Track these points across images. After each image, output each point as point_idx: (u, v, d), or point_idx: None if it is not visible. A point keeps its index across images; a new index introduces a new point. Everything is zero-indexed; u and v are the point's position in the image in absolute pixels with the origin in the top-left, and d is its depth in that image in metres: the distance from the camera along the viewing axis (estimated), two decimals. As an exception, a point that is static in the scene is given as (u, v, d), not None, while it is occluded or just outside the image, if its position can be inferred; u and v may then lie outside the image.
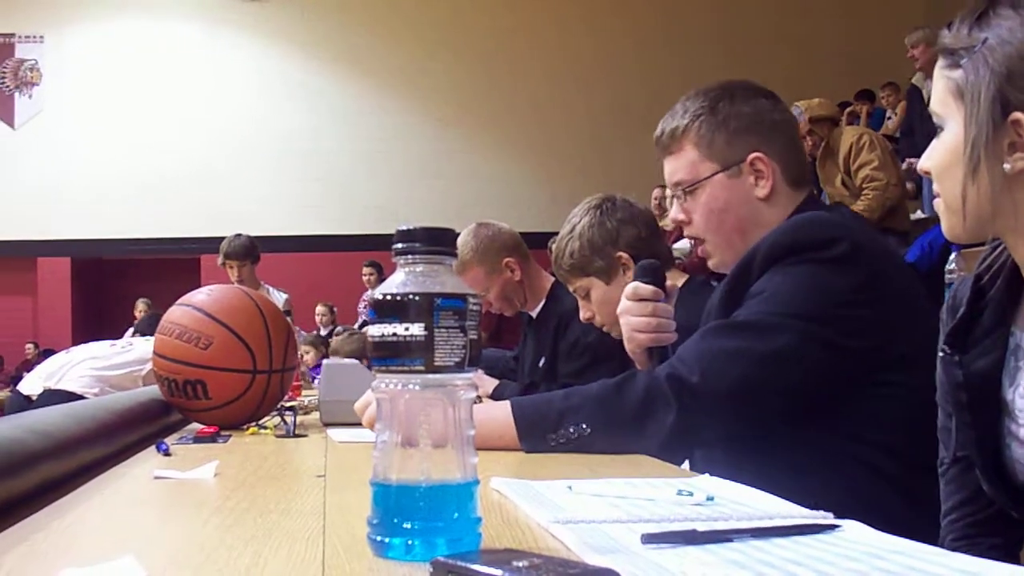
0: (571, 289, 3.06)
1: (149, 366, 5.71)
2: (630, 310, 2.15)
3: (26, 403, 5.54)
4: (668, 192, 2.28)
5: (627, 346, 2.20)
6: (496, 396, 3.70)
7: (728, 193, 2.06)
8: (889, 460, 1.82)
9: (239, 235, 6.32)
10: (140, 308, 12.04)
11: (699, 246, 2.17)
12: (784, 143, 2.09)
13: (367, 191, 14.53)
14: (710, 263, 2.17)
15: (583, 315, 3.04)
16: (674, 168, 2.12)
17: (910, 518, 1.38)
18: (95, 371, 5.78)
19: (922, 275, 6.28)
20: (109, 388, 5.55)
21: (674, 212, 2.16)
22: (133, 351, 5.92)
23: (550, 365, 3.71)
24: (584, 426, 1.74)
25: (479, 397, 3.00)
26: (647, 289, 2.13)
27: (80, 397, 5.25)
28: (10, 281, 14.85)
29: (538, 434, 1.77)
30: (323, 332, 10.75)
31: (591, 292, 2.96)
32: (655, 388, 1.76)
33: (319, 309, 12.02)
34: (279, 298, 6.30)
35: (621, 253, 2.90)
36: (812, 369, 1.79)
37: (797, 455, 1.81)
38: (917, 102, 8.87)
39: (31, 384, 5.92)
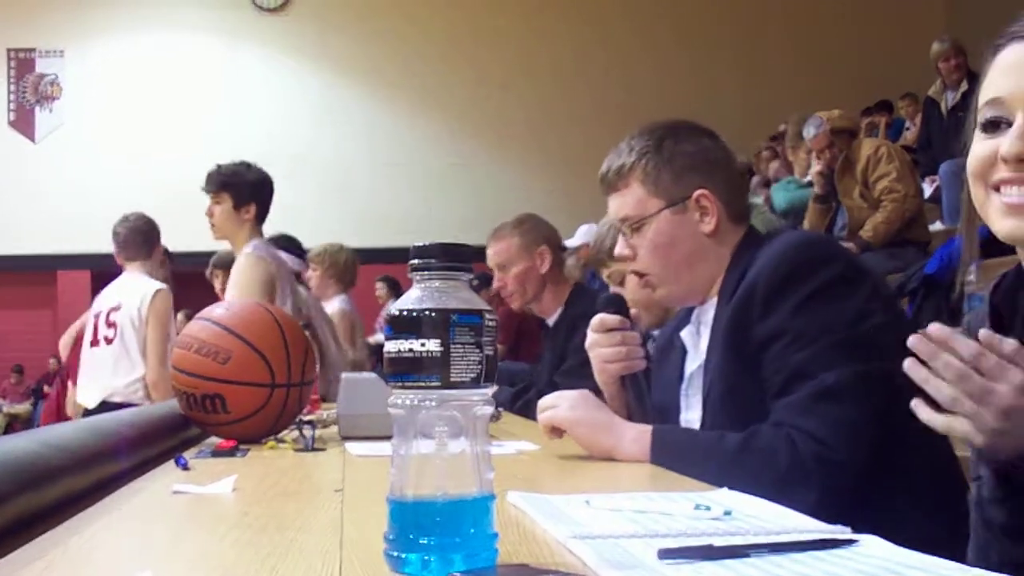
0: (606, 275, 3.09)
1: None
2: (598, 342, 2.19)
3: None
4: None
5: (598, 378, 2.24)
6: None
7: (674, 229, 2.10)
8: (917, 475, 1.85)
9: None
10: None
11: (643, 279, 2.19)
12: (726, 180, 2.14)
13: (385, 204, 14.55)
14: (655, 295, 2.20)
15: None
16: (620, 204, 2.16)
17: (935, 534, 1.38)
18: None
19: (942, 286, 6.24)
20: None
21: (619, 248, 2.19)
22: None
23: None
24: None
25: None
26: (614, 319, 2.18)
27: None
28: (31, 295, 14.91)
29: (669, 465, 1.83)
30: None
31: (627, 278, 2.99)
32: (798, 466, 1.78)
33: None
34: None
35: None
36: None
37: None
38: (935, 115, 8.84)
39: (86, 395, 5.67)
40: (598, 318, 2.19)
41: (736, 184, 2.21)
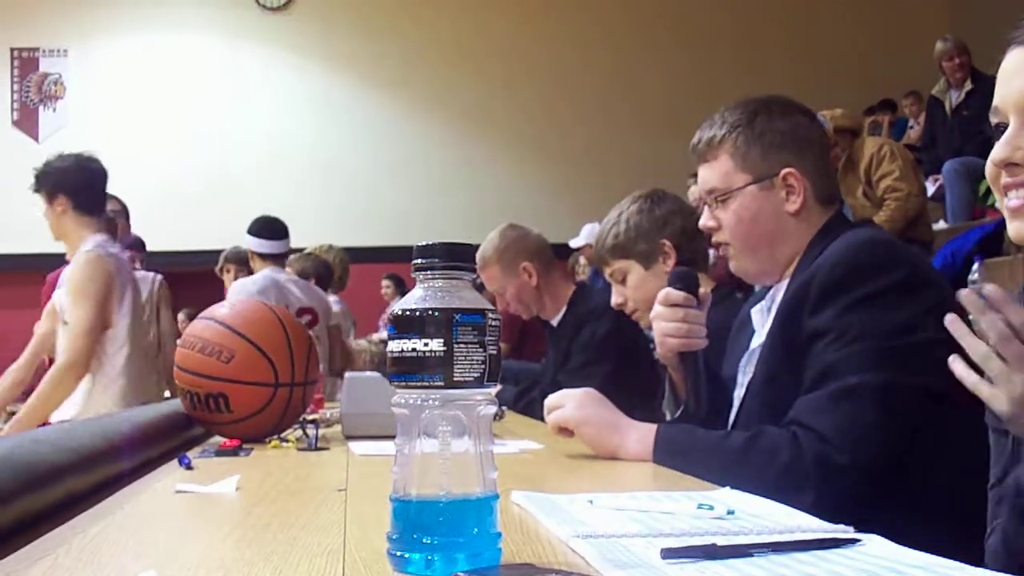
0: (607, 273, 3.08)
1: None
2: (662, 316, 2.17)
3: None
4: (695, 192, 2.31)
5: (659, 350, 2.22)
6: None
7: (759, 204, 2.10)
8: (933, 493, 1.84)
9: (238, 247, 6.59)
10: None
11: (722, 249, 2.19)
12: (816, 161, 2.14)
13: (388, 203, 14.54)
14: (731, 266, 2.21)
15: (615, 300, 3.07)
16: (708, 176, 2.17)
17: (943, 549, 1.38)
18: None
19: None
20: None
21: (704, 218, 2.21)
22: None
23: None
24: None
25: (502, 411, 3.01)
26: (679, 295, 2.16)
27: None
28: (35, 294, 14.91)
29: (671, 464, 1.84)
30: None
31: (628, 276, 3.00)
32: (798, 466, 1.78)
33: None
34: None
35: (665, 241, 2.95)
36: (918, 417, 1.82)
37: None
38: (938, 113, 8.83)
39: None
40: (664, 292, 2.18)
41: (826, 164, 2.20)
